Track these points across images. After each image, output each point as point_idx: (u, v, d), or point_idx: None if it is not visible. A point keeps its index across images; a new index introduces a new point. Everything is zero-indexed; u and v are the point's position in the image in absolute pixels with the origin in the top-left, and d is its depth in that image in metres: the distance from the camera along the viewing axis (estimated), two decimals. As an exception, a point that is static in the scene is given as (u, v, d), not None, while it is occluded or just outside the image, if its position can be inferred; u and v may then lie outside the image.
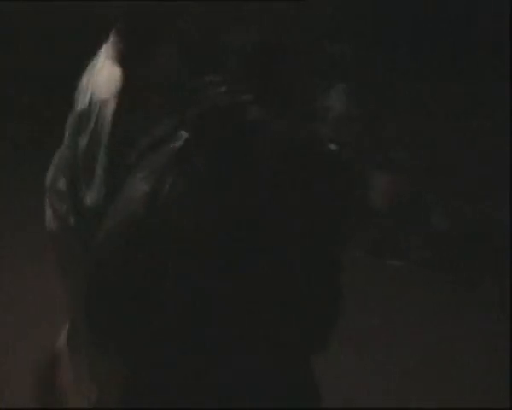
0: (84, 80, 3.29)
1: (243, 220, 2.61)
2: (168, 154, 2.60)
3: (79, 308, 2.86)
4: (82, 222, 3.28)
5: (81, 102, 3.23)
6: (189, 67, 3.06)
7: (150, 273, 2.57)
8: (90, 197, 3.17)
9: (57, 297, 5.72)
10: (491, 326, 6.06)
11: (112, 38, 3.26)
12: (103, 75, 3.17)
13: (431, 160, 7.38)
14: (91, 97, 3.16)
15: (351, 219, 4.41)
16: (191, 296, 2.61)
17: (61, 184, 3.44)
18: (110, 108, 3.06)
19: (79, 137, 3.22)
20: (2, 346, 5.25)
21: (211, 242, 2.58)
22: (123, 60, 3.18)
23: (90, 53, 3.45)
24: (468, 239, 6.87)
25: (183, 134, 2.63)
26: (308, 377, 3.05)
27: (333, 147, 3.29)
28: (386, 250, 7.12)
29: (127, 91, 3.09)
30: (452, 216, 7.03)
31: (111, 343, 2.75)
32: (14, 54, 8.52)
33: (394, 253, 7.08)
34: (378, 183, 7.36)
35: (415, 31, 7.64)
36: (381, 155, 7.44)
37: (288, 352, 2.84)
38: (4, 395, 4.70)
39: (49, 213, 3.57)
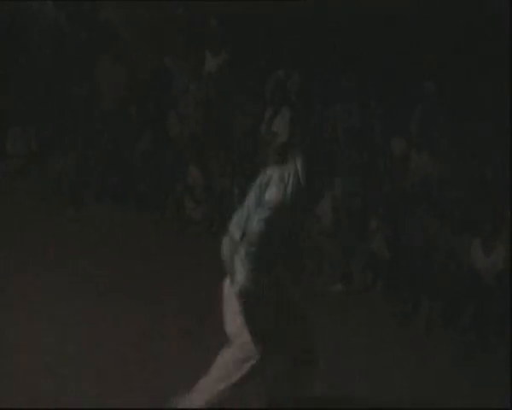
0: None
1: None
2: None
3: None
4: None
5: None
6: None
7: None
8: None
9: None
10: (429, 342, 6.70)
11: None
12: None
13: (373, 188, 7.92)
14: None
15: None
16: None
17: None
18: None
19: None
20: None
21: None
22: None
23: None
24: (407, 265, 7.39)
25: None
26: None
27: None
28: (329, 276, 7.60)
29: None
30: (392, 243, 7.55)
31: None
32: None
33: (337, 279, 7.57)
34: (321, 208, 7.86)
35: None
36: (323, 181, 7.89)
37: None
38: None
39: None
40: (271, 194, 4.47)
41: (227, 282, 4.63)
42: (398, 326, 6.96)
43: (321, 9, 8.70)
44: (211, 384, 4.57)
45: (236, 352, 4.53)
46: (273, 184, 4.52)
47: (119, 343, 5.62)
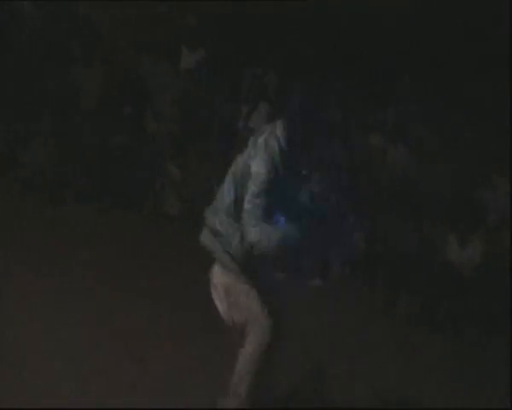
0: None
1: None
2: None
3: None
4: None
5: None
6: None
7: None
8: None
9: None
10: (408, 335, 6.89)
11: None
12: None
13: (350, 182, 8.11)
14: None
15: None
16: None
17: None
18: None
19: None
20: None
21: None
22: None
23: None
24: (385, 258, 7.60)
25: None
26: None
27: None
28: (307, 271, 7.75)
29: None
30: (369, 237, 7.75)
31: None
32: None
33: (315, 273, 7.74)
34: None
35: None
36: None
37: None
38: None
39: None
40: (257, 166, 4.39)
41: (216, 270, 4.55)
42: (376, 321, 7.13)
43: (301, 6, 8.80)
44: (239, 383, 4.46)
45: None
46: (257, 155, 4.42)
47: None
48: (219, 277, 4.53)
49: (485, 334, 6.82)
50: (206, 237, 4.60)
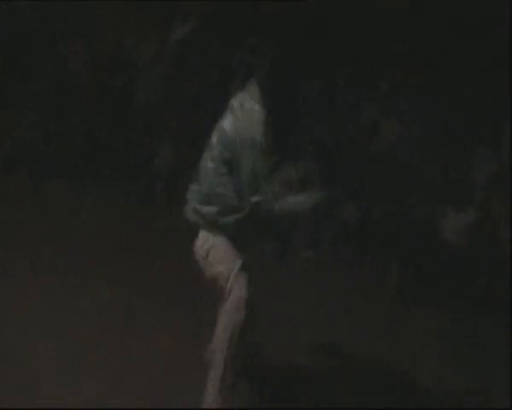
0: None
1: None
2: None
3: None
4: None
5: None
6: None
7: None
8: None
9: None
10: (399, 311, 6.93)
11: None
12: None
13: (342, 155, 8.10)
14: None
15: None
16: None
17: None
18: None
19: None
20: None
21: None
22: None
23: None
24: (376, 232, 7.65)
25: None
26: None
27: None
28: (299, 243, 7.81)
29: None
30: (362, 212, 7.78)
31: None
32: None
33: (308, 245, 7.79)
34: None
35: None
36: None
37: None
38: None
39: None
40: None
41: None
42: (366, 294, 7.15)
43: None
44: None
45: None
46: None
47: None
48: (202, 242, 4.70)
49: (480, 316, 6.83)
50: (189, 211, 4.77)
